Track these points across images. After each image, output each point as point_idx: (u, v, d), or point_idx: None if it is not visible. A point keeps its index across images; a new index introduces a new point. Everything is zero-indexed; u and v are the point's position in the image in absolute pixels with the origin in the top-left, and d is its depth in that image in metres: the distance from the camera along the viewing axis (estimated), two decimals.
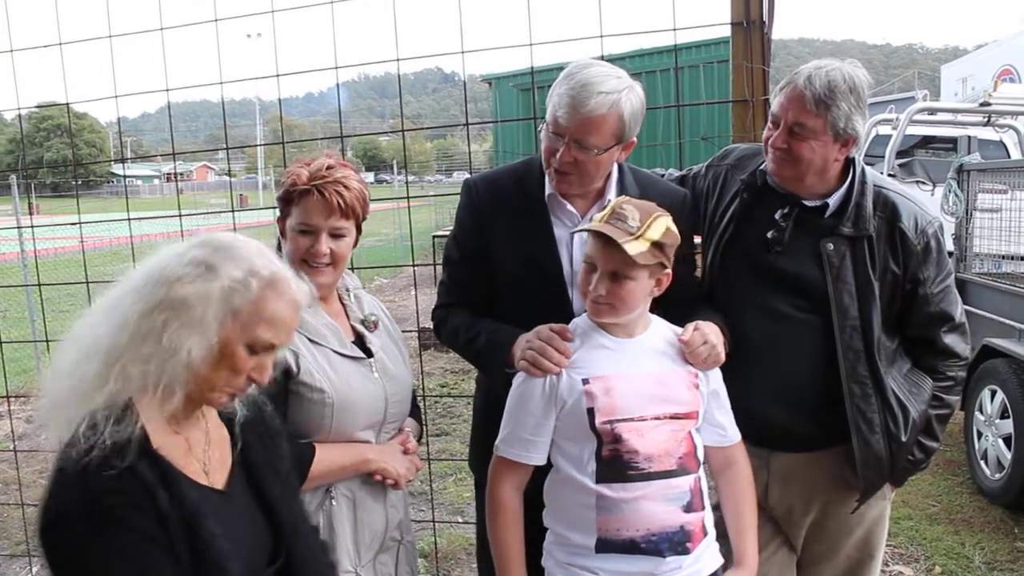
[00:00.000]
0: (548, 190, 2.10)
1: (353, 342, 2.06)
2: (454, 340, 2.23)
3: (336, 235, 1.97)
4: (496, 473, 1.90)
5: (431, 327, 2.34)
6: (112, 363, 1.33)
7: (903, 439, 2.13)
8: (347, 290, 2.17)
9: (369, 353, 2.06)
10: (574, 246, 2.09)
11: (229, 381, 1.42)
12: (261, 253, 1.45)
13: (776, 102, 2.09)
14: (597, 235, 1.78)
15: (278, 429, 1.68)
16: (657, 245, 1.77)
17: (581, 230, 1.86)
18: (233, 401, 1.48)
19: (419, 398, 2.33)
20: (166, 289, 1.35)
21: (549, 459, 1.88)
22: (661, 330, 1.92)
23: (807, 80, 2.00)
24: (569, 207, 2.10)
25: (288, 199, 1.98)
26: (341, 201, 1.94)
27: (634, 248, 1.74)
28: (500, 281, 2.14)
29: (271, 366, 1.46)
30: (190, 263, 1.37)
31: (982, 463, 4.89)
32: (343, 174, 1.96)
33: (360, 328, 2.10)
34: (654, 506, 1.77)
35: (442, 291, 2.28)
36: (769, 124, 2.13)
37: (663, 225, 1.80)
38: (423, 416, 2.32)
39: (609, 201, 1.93)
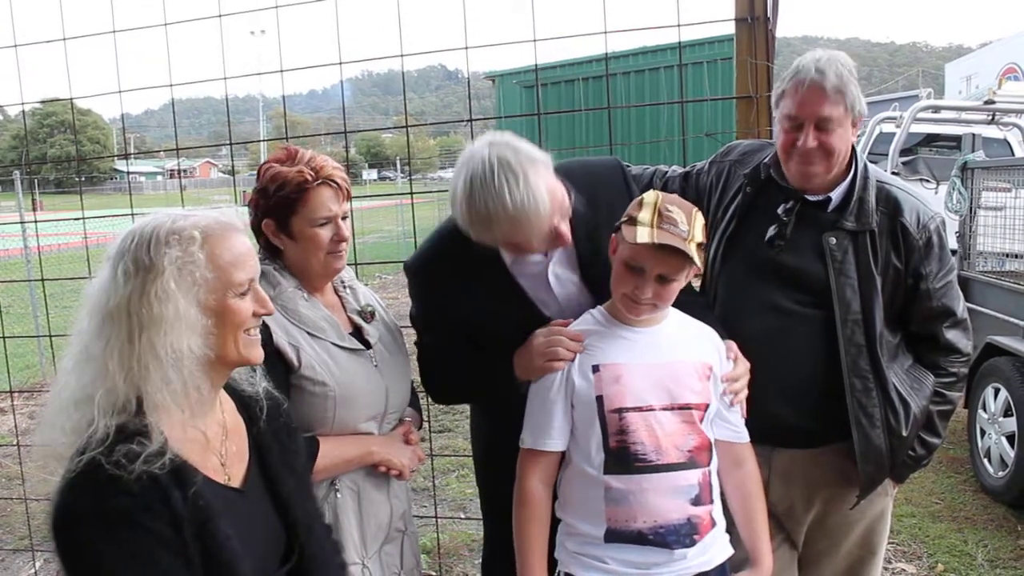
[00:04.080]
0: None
1: (351, 334, 2.06)
2: (453, 396, 2.30)
3: (344, 218, 2.02)
4: (522, 465, 1.91)
5: None
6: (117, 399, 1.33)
7: (903, 434, 2.13)
8: (342, 282, 2.16)
9: (368, 344, 2.07)
10: (551, 281, 2.02)
11: (242, 329, 1.44)
12: (175, 217, 1.40)
13: (790, 104, 2.04)
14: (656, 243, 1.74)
15: (294, 425, 1.68)
16: (699, 245, 1.80)
17: (648, 243, 1.74)
18: (257, 343, 1.50)
19: (421, 394, 2.33)
20: (125, 316, 1.33)
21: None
22: (677, 319, 1.93)
23: (820, 73, 1.98)
24: (530, 256, 1.99)
25: (293, 201, 1.93)
26: (346, 184, 2.01)
27: (692, 251, 1.75)
28: (480, 336, 2.06)
29: (262, 291, 1.49)
30: (124, 277, 1.34)
31: (985, 461, 4.88)
32: (325, 159, 2.00)
33: (358, 319, 2.10)
34: (660, 499, 1.77)
35: (421, 357, 2.20)
36: (785, 128, 2.08)
37: (701, 222, 1.83)
38: (427, 413, 2.33)
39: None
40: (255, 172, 2.07)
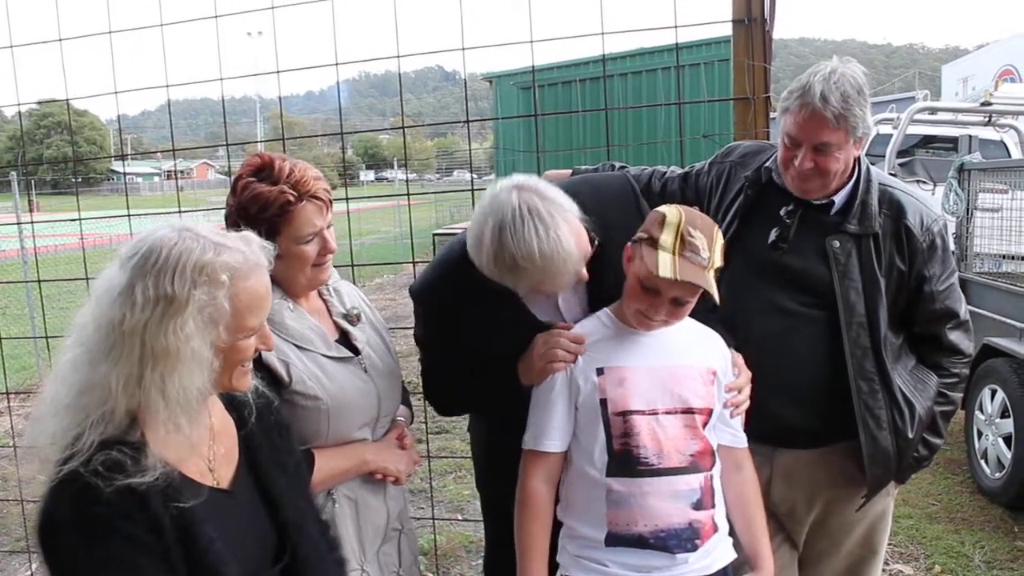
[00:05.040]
0: None
1: (338, 340, 2.01)
2: (458, 410, 2.31)
3: (329, 227, 1.96)
4: (524, 466, 1.91)
5: None
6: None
7: (910, 435, 2.13)
8: (325, 285, 2.09)
9: (356, 350, 2.02)
10: (560, 306, 2.01)
11: (241, 366, 1.44)
12: (205, 245, 1.34)
13: (791, 122, 2.03)
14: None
15: (286, 423, 1.67)
16: (717, 270, 1.78)
17: (675, 280, 1.72)
18: (249, 374, 1.49)
19: (418, 395, 2.33)
20: (138, 343, 1.29)
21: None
22: (682, 323, 1.91)
23: (823, 100, 1.94)
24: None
25: (276, 222, 1.85)
26: (328, 195, 1.94)
27: (711, 282, 1.74)
28: (487, 355, 2.02)
29: (267, 327, 1.48)
30: (143, 299, 1.29)
31: (982, 462, 4.89)
32: (305, 170, 1.90)
33: (344, 324, 2.05)
34: (662, 503, 1.76)
35: (425, 372, 2.17)
36: (785, 143, 2.07)
37: (721, 243, 1.81)
38: (424, 415, 2.32)
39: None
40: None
